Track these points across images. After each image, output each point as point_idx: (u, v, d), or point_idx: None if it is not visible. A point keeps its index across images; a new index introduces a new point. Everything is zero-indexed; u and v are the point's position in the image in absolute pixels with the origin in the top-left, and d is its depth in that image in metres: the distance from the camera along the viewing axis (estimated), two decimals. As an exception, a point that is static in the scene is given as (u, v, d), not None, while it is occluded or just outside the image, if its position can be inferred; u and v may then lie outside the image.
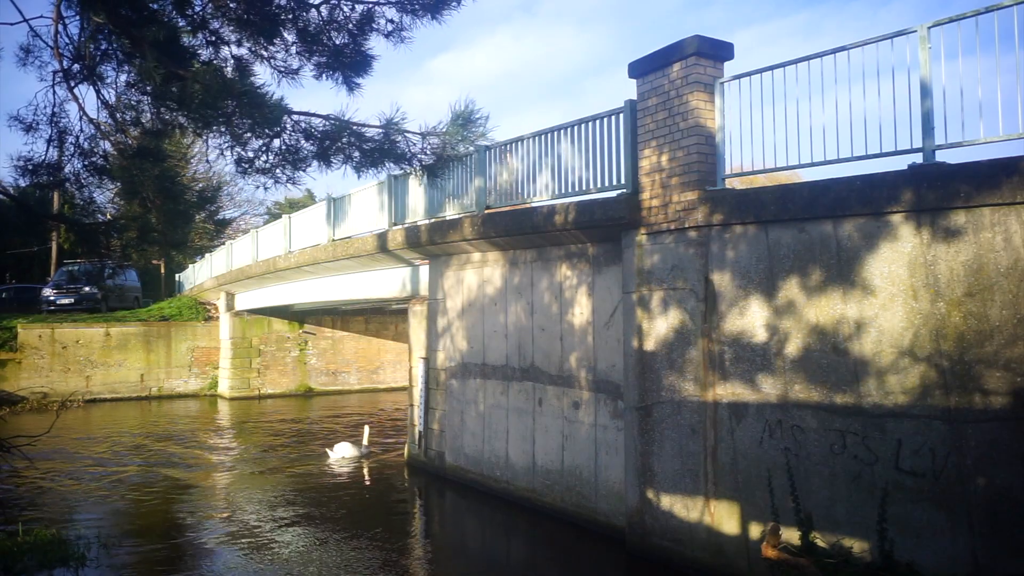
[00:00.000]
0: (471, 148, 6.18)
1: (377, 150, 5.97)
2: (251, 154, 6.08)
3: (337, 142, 5.95)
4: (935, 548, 5.98)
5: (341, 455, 14.44)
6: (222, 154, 6.12)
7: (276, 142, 6.01)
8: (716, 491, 7.61)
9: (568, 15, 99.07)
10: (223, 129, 5.77)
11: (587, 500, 9.69)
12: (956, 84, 5.99)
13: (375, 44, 6.50)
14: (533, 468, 10.67)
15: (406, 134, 6.06)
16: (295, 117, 5.96)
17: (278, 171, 6.13)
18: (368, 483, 13.01)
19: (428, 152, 6.14)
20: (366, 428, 15.40)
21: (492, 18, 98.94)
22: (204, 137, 6.02)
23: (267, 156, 6.08)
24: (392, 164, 6.17)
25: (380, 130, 6.00)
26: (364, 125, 5.99)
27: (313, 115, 6.02)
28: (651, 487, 8.32)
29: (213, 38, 6.36)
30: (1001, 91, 5.79)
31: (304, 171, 6.17)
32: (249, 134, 5.83)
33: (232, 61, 6.47)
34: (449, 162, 6.40)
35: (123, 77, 6.61)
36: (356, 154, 6.04)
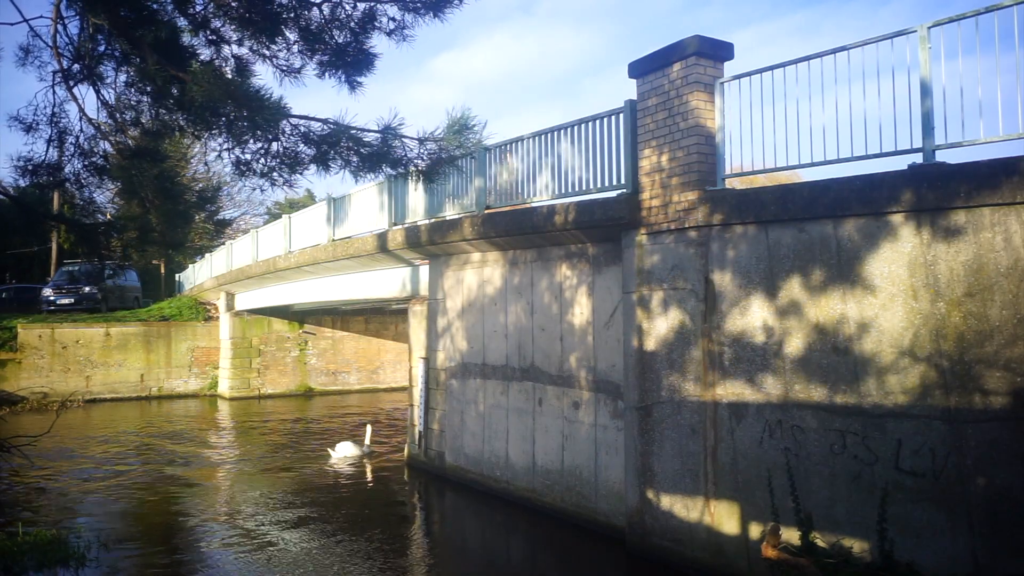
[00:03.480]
0: (468, 152, 6.19)
1: (375, 155, 5.98)
2: (249, 156, 6.08)
3: (335, 147, 5.96)
4: (935, 548, 5.98)
5: (343, 455, 14.43)
6: (220, 156, 6.14)
7: (275, 145, 6.01)
8: (716, 491, 7.61)
9: (566, 15, 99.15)
10: (222, 131, 5.76)
11: (587, 500, 9.68)
12: (956, 84, 5.99)
13: (377, 42, 6.49)
14: (533, 468, 10.67)
15: (404, 139, 6.08)
16: (294, 121, 5.96)
17: (275, 174, 6.13)
18: (370, 483, 13.02)
19: (425, 157, 6.15)
20: (368, 427, 15.43)
21: (492, 18, 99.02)
22: (203, 139, 6.02)
23: (265, 160, 6.08)
24: (389, 168, 6.19)
25: (378, 135, 6.01)
26: (363, 130, 6.01)
27: (312, 119, 6.02)
28: (651, 487, 8.32)
29: (214, 37, 6.35)
30: (1001, 91, 5.80)
31: (301, 174, 6.17)
32: (248, 136, 5.82)
33: (233, 61, 6.46)
34: (445, 167, 6.41)
35: (122, 77, 6.61)
36: (354, 159, 6.04)
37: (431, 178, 6.43)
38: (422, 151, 6.11)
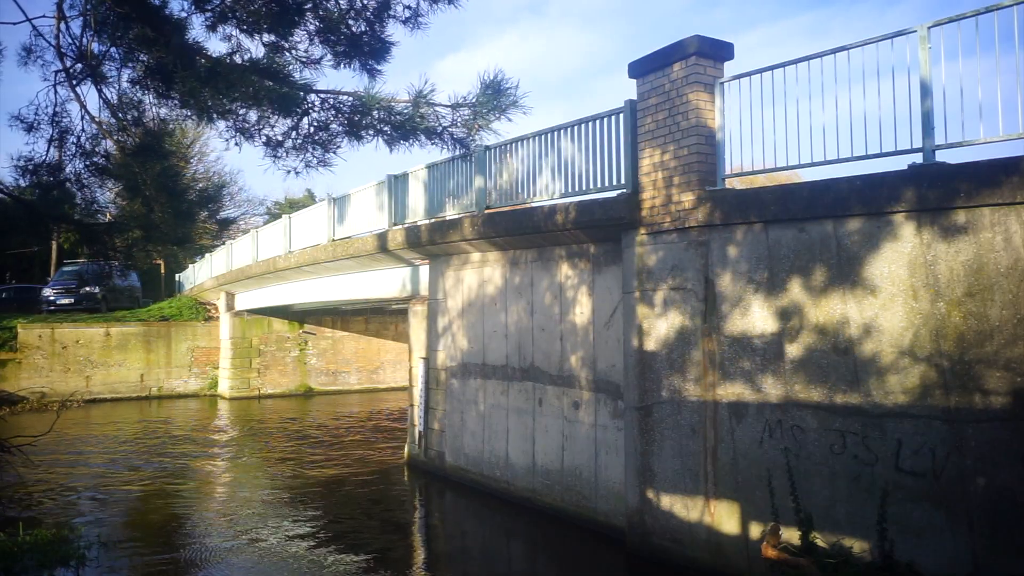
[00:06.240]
0: (504, 114, 5.93)
1: (407, 123, 5.85)
2: (280, 136, 6.01)
3: (367, 116, 5.87)
4: (935, 548, 5.99)
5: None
6: (251, 138, 6.04)
7: (305, 120, 5.95)
8: (716, 491, 7.62)
9: (574, 15, 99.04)
10: (251, 108, 5.71)
11: (587, 500, 9.69)
12: (956, 84, 6.01)
13: (393, 31, 6.48)
14: (533, 468, 10.67)
15: (435, 107, 5.94)
16: (323, 95, 5.89)
17: (308, 153, 6.04)
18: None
19: (459, 124, 6.00)
20: None
21: (500, 19, 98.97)
22: (229, 120, 5.94)
23: (296, 135, 6.01)
24: (424, 138, 6.04)
25: (409, 104, 5.90)
26: (393, 99, 5.90)
27: (340, 92, 5.95)
28: (651, 487, 8.32)
29: (233, 32, 6.31)
30: (1001, 91, 5.81)
31: (335, 152, 6.06)
32: (278, 114, 5.77)
33: (261, 48, 6.42)
34: (481, 132, 6.21)
35: (127, 74, 6.59)
36: (386, 128, 5.93)
37: (467, 146, 6.31)
38: (455, 118, 5.99)
